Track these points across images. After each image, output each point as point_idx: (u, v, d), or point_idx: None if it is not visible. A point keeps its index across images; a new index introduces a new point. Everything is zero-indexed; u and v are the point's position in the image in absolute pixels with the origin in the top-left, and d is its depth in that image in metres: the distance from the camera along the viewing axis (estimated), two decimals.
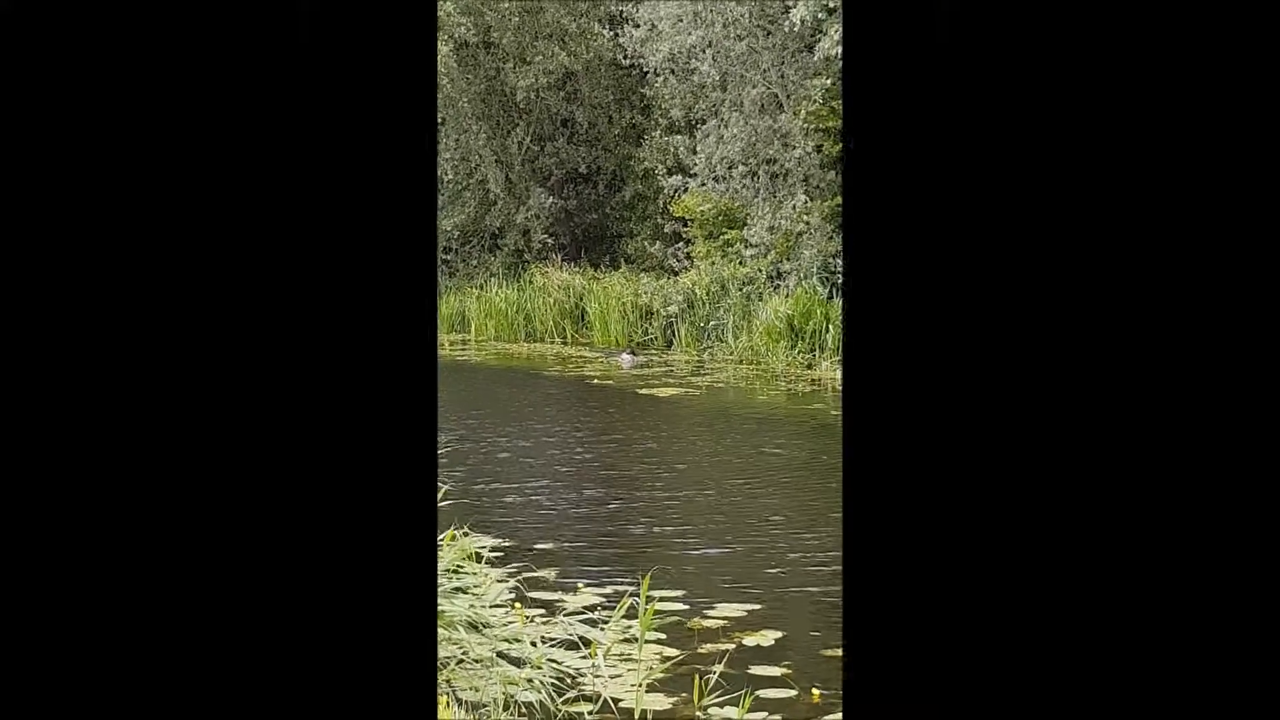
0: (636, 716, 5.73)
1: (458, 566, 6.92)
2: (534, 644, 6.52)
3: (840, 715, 5.98)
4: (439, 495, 7.09)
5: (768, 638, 7.13)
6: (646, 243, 24.70)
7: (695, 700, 5.86)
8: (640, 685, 5.90)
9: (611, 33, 24.58)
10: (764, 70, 20.52)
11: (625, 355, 18.81)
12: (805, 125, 20.14)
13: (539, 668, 6.20)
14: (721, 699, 5.88)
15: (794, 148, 20.31)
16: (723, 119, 21.14)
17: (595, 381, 18.18)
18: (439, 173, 26.09)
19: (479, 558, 7.46)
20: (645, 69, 23.30)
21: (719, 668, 6.20)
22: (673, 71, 22.03)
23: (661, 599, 7.56)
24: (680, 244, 23.20)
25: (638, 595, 6.44)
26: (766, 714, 5.94)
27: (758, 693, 6.13)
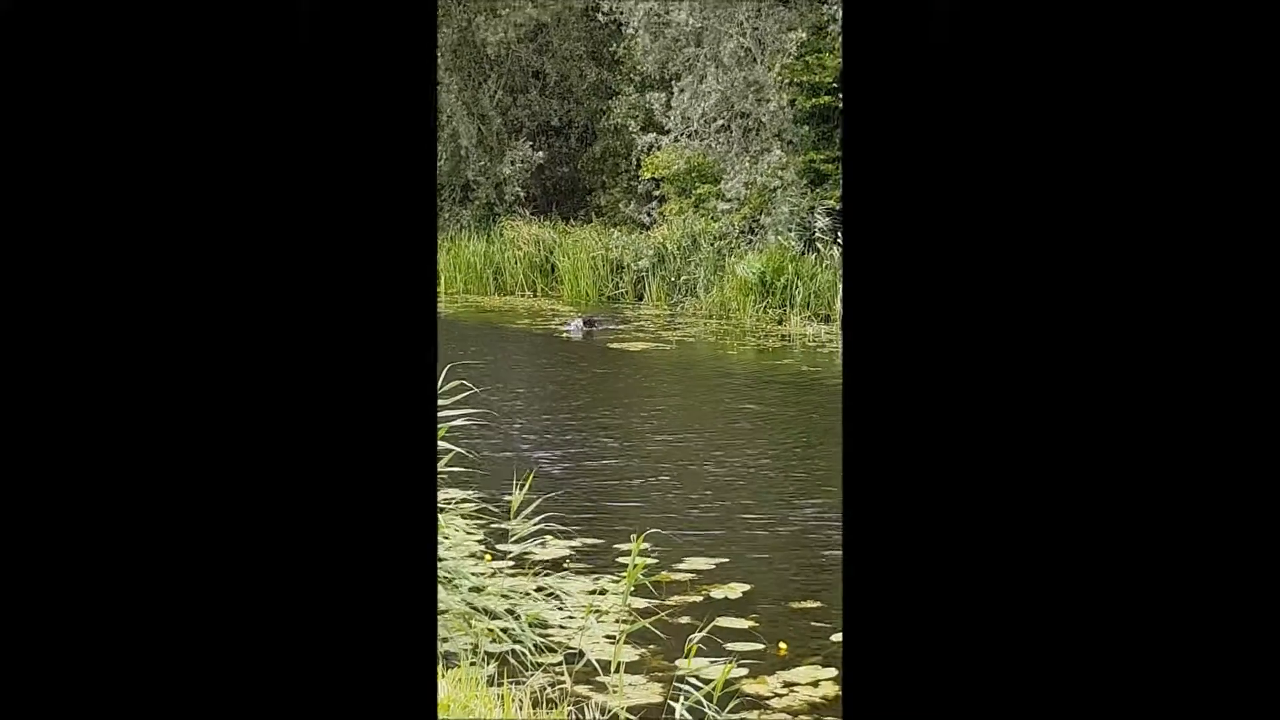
0: (613, 668, 5.79)
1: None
2: (547, 592, 6.57)
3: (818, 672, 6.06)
4: (448, 458, 7.12)
5: (735, 590, 7.20)
6: (618, 197, 24.65)
7: (687, 662, 5.91)
8: (620, 637, 5.96)
9: None
10: (739, 22, 20.47)
11: (574, 323, 18.56)
12: (779, 79, 20.10)
13: (535, 622, 6.25)
14: (701, 658, 5.94)
15: (768, 101, 20.28)
16: (699, 73, 21.08)
17: (566, 336, 18.19)
18: None
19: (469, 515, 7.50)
20: (621, 23, 23.18)
21: (685, 619, 6.25)
22: (647, 28, 21.93)
23: (630, 552, 7.61)
24: (654, 203, 23.15)
25: (619, 551, 6.48)
26: (734, 659, 6.01)
27: (725, 645, 6.19)
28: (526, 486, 6.82)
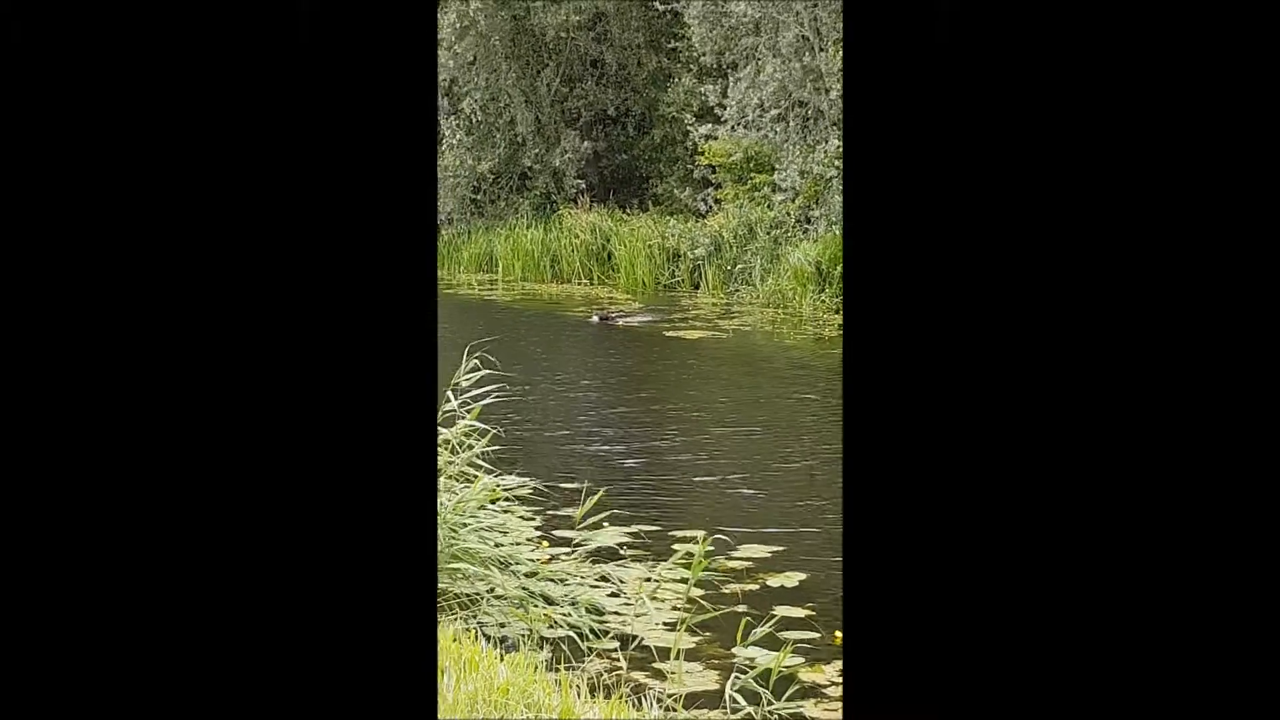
0: (673, 655, 5.80)
1: (487, 505, 6.99)
2: (582, 579, 6.59)
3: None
4: (486, 439, 7.13)
5: (792, 579, 7.19)
6: (674, 185, 24.63)
7: (739, 639, 5.91)
8: (681, 626, 5.97)
9: None
10: (796, 12, 20.40)
11: (595, 316, 18.83)
12: (841, 68, 20.03)
13: (592, 611, 6.27)
14: (750, 643, 5.95)
15: (828, 90, 20.22)
16: (759, 63, 21.03)
17: (621, 323, 18.23)
18: (468, 113, 26.03)
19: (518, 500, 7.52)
20: (678, 10, 23.18)
21: (742, 606, 6.25)
22: (705, 17, 21.90)
23: (687, 539, 7.62)
24: (709, 189, 23.11)
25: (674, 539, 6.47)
26: (789, 642, 6.00)
27: (779, 634, 6.19)
28: (589, 502, 6.81)
